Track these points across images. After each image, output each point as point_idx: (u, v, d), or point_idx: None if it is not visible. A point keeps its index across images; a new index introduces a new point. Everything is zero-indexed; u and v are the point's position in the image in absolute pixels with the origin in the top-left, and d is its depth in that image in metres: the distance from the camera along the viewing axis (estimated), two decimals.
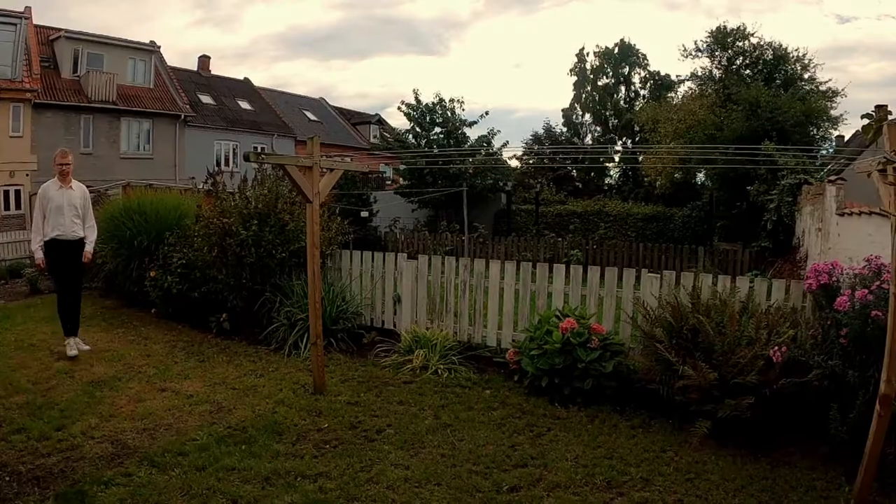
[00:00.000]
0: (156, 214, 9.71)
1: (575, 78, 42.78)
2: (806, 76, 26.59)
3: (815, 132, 23.55)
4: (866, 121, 3.21)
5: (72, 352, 7.22)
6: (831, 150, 23.98)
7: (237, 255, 8.18)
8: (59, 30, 27.22)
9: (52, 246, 7.35)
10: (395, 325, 8.32)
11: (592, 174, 36.35)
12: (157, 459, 4.49)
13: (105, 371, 6.55)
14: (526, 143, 38.58)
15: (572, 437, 5.16)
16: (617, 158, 38.56)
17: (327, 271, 8.60)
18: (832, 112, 24.44)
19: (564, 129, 42.09)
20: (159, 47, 31.03)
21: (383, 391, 6.28)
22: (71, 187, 7.51)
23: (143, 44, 30.14)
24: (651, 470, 4.57)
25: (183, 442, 4.84)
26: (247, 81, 39.38)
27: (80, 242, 7.56)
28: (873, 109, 3.37)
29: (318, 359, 6.23)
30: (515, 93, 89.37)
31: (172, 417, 5.38)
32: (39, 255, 7.41)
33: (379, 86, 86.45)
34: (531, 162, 34.83)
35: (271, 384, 6.39)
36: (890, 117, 3.32)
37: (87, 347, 7.45)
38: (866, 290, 4.54)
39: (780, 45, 27.20)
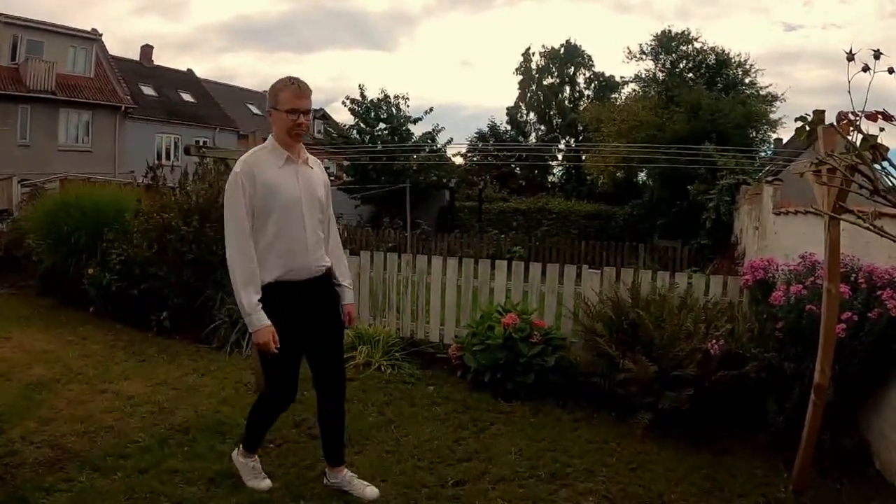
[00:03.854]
0: (94, 209, 9.39)
1: (520, 77, 43.23)
2: (747, 81, 27.48)
3: (754, 134, 24.41)
4: (800, 123, 3.32)
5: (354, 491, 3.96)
6: (770, 152, 24.75)
7: (177, 251, 7.99)
8: None
9: (278, 294, 3.62)
10: None
11: (536, 172, 36.79)
12: (99, 463, 4.34)
13: (43, 373, 6.31)
14: (470, 141, 38.87)
15: (516, 431, 5.20)
16: (560, 157, 39.14)
17: None
18: (771, 115, 25.38)
19: (509, 128, 42.49)
20: (101, 35, 30.03)
21: None
22: (307, 162, 3.72)
23: (85, 31, 29.10)
24: (594, 461, 4.63)
25: (124, 444, 4.69)
26: (190, 73, 38.61)
27: (326, 279, 3.83)
28: (807, 113, 3.48)
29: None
30: (464, 90, 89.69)
31: (113, 419, 5.20)
32: (264, 322, 3.52)
33: (326, 80, 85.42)
34: (475, 159, 35.06)
35: (214, 383, 6.26)
36: (827, 121, 3.43)
37: (374, 495, 3.92)
38: (801, 286, 4.69)
39: (723, 51, 28.07)
